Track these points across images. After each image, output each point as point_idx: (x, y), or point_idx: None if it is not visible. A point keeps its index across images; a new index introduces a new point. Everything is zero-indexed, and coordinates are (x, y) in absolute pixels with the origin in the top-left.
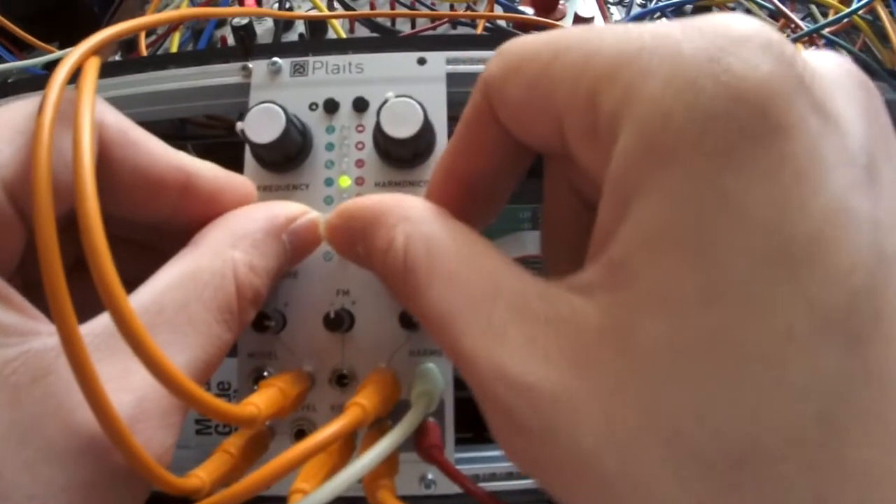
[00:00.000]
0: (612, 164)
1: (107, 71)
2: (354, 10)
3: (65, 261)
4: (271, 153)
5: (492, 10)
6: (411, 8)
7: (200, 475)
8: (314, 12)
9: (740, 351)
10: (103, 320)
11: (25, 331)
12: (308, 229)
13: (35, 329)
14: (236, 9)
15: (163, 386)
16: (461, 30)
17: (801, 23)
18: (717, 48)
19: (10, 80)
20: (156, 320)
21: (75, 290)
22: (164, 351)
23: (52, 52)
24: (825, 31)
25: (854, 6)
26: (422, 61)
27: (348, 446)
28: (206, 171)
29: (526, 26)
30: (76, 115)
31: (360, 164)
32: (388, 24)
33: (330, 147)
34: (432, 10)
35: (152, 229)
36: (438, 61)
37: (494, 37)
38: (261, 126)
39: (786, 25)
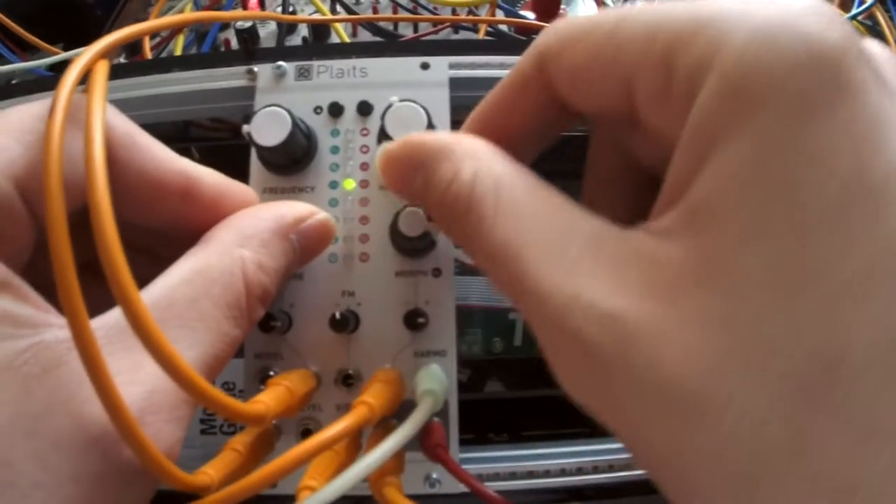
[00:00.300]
0: (694, 113)
1: (112, 73)
2: (357, 13)
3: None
4: (277, 156)
5: (494, 15)
6: (413, 12)
7: (209, 472)
8: (317, 16)
9: (834, 279)
10: (114, 315)
11: (37, 322)
12: (316, 230)
13: (47, 321)
14: (240, 13)
15: (173, 381)
16: (463, 34)
17: None
18: (795, 13)
19: (14, 81)
20: (165, 315)
21: (83, 293)
22: (174, 346)
23: (56, 53)
24: None
25: (854, 11)
26: (425, 66)
27: (354, 445)
28: (208, 176)
29: (527, 31)
30: (87, 116)
31: (364, 167)
32: (391, 27)
33: (335, 150)
34: (434, 14)
35: (155, 234)
36: (441, 66)
37: (497, 42)
38: (267, 129)
39: None
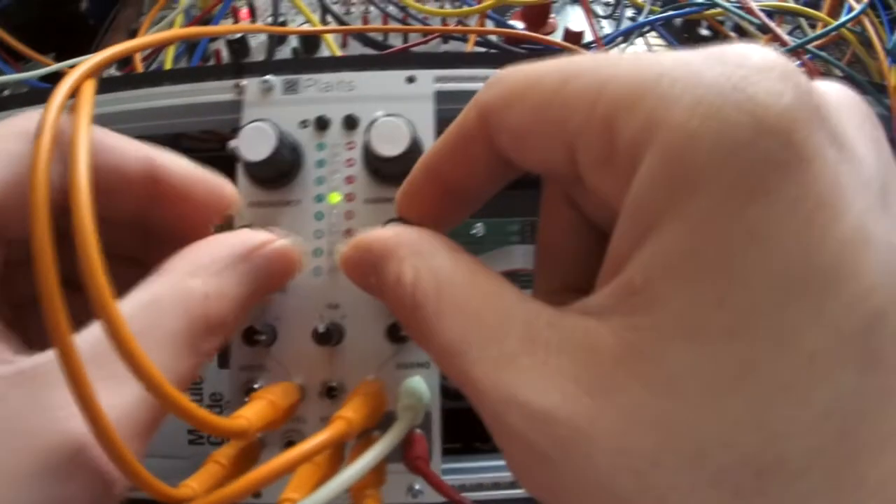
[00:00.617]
0: (633, 190)
1: (102, 86)
2: (347, 24)
3: None
4: (263, 170)
5: (483, 25)
6: (403, 22)
7: (192, 485)
8: (307, 27)
9: (767, 379)
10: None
11: None
12: (276, 257)
13: None
14: (230, 27)
15: (155, 399)
16: (452, 44)
17: (787, 38)
18: (740, 77)
19: (6, 93)
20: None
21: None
22: (121, 380)
23: (48, 63)
24: (812, 46)
25: (842, 19)
26: (411, 79)
27: (337, 457)
28: (175, 162)
29: (517, 41)
30: (73, 141)
31: (350, 180)
32: (381, 38)
33: (321, 164)
34: (424, 24)
35: (136, 240)
36: (427, 80)
37: (483, 54)
38: (253, 144)
39: (773, 39)
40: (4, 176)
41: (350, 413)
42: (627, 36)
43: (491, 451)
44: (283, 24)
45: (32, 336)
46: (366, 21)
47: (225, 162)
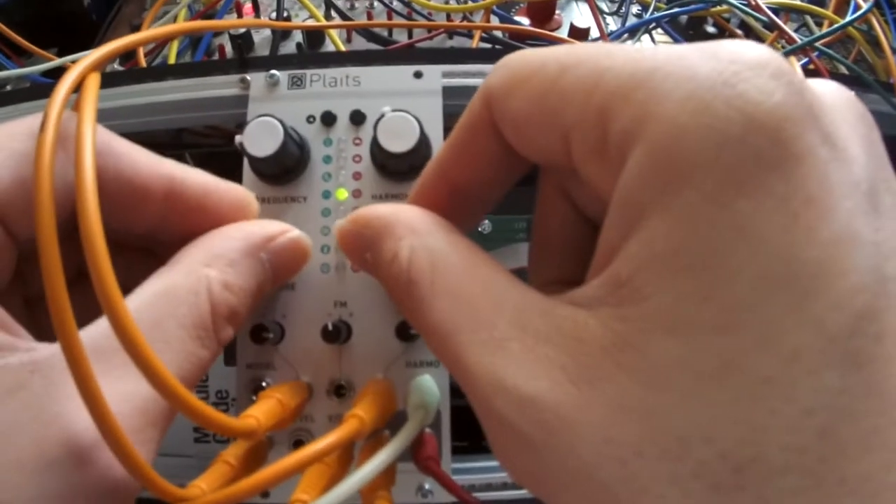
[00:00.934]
0: (622, 182)
1: (105, 81)
2: (352, 20)
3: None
4: (269, 166)
5: (488, 21)
6: (408, 18)
7: (201, 486)
8: (311, 22)
9: (751, 374)
10: (101, 327)
11: (2, 346)
12: (288, 248)
13: (12, 345)
14: (234, 21)
15: (163, 397)
16: (457, 40)
17: (795, 35)
18: (732, 73)
19: (8, 88)
20: None
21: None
22: (134, 369)
23: (50, 59)
24: (819, 43)
25: (849, 17)
26: (418, 74)
27: (346, 457)
28: (192, 176)
29: (522, 37)
30: (78, 135)
31: (357, 176)
32: (385, 34)
33: (327, 160)
34: (429, 20)
35: (148, 236)
36: (435, 75)
37: (490, 50)
38: (259, 139)
39: (780, 37)
40: (12, 175)
41: (362, 412)
42: (633, 33)
43: None
44: (287, 19)
45: (49, 334)
46: (370, 17)
47: (228, 157)
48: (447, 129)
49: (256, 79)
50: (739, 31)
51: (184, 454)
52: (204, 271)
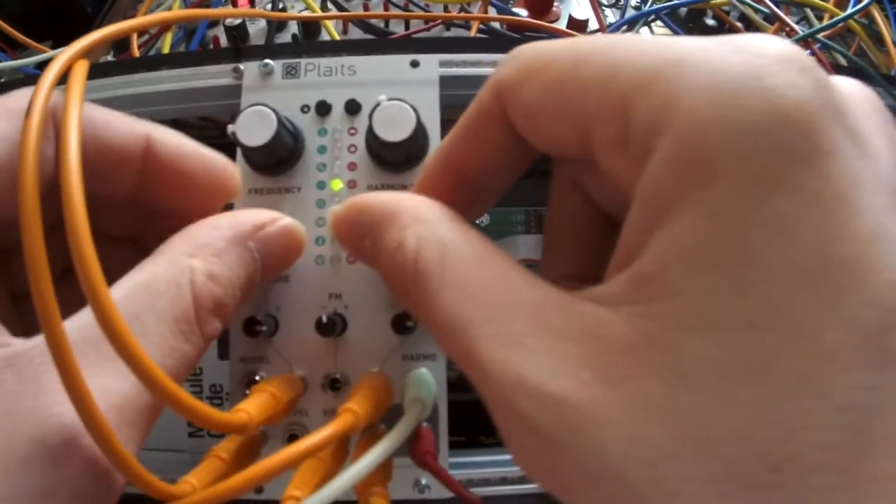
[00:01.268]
0: (647, 175)
1: (98, 71)
2: (348, 10)
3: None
4: (263, 156)
5: (486, 12)
6: (405, 9)
7: (192, 482)
8: (307, 13)
9: (786, 372)
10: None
11: None
12: (279, 236)
13: None
14: (229, 10)
15: (149, 391)
16: (455, 31)
17: (796, 27)
18: (760, 66)
19: (2, 80)
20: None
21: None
22: (114, 364)
23: (44, 51)
24: (820, 36)
25: (850, 10)
26: (415, 64)
27: (341, 452)
28: (169, 134)
29: (520, 28)
30: (63, 120)
31: (352, 167)
32: (382, 25)
33: (322, 150)
34: (426, 11)
35: (136, 220)
36: (432, 64)
37: (488, 40)
38: (252, 129)
39: (780, 29)
40: None
41: (357, 406)
42: (632, 25)
43: (497, 445)
44: (283, 10)
45: (33, 327)
46: (367, 8)
47: (224, 150)
48: (444, 119)
49: (250, 68)
50: (739, 24)
51: (177, 448)
52: (187, 261)
